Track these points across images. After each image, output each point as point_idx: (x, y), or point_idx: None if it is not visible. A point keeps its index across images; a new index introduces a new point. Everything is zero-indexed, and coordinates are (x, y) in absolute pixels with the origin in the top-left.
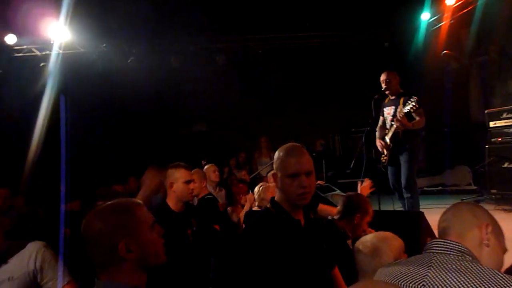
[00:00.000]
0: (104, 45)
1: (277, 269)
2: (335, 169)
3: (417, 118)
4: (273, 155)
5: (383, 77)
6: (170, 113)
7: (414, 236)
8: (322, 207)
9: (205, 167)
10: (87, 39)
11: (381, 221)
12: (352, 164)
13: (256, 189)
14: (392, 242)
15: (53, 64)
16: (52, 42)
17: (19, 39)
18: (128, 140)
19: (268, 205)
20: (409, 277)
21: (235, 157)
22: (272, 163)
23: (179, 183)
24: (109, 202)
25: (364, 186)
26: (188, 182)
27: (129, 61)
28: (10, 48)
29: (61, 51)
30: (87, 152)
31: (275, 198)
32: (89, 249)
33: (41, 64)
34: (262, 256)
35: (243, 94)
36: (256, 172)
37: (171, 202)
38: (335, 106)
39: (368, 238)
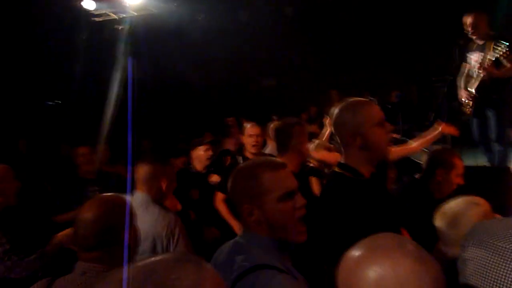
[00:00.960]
0: (175, 4)
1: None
2: (412, 121)
3: (508, 66)
4: None
5: (468, 20)
6: (239, 68)
7: (501, 194)
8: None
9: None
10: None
11: (464, 178)
12: (432, 116)
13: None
14: (474, 209)
15: (127, 26)
16: (127, 5)
17: (97, 4)
18: (199, 96)
19: (337, 169)
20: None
21: (307, 111)
22: None
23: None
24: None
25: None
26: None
27: (199, 18)
28: (89, 13)
29: (135, 13)
30: (157, 110)
31: (346, 161)
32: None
33: (116, 27)
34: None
35: (313, 46)
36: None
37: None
38: (411, 54)
39: (449, 205)
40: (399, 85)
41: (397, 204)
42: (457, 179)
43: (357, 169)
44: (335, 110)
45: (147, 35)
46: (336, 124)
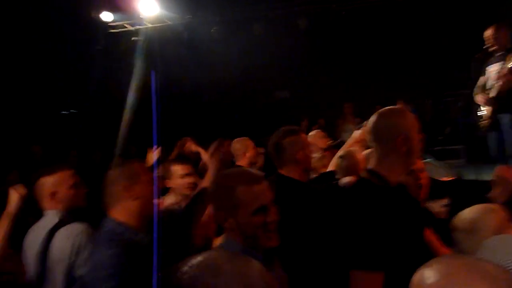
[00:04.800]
0: (190, 16)
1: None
2: (426, 135)
3: None
4: (358, 122)
5: (489, 32)
6: (252, 81)
7: None
8: None
9: (312, 133)
10: (173, 11)
11: (482, 193)
12: (447, 131)
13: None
14: (491, 215)
15: (143, 38)
16: (142, 17)
17: (114, 16)
18: (211, 108)
19: (365, 175)
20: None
21: (317, 124)
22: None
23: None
24: None
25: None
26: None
27: (212, 30)
28: (106, 24)
29: (150, 25)
30: (176, 123)
31: (377, 168)
32: None
33: (133, 39)
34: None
35: (326, 59)
36: (340, 140)
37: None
38: (425, 68)
39: (466, 212)
40: (412, 99)
41: (426, 213)
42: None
43: (387, 176)
44: (378, 115)
45: (162, 47)
46: (381, 127)
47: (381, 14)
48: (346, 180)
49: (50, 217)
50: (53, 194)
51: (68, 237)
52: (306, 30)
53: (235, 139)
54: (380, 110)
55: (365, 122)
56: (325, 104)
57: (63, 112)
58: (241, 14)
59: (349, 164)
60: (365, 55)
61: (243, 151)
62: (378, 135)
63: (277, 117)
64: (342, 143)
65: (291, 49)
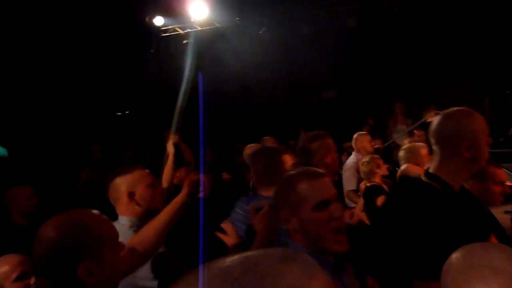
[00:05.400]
0: (237, 18)
1: None
2: None
3: None
4: (410, 122)
5: None
6: (299, 81)
7: None
8: None
9: (357, 136)
10: (222, 14)
11: None
12: (510, 132)
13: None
14: None
15: (192, 40)
16: (192, 20)
17: (165, 20)
18: (260, 108)
19: (425, 179)
20: None
21: (367, 125)
22: (410, 131)
23: None
24: None
25: None
26: None
27: (260, 32)
28: (158, 29)
29: (200, 28)
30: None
31: (437, 171)
32: None
33: (184, 42)
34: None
35: (376, 58)
36: (391, 141)
37: None
38: (483, 64)
39: None
40: (469, 97)
41: (491, 220)
42: (496, 187)
43: (448, 181)
44: (443, 116)
45: (210, 49)
46: (445, 129)
47: (434, 9)
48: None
49: (119, 226)
50: (130, 194)
51: None
52: (355, 29)
53: (246, 147)
54: (446, 111)
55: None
56: (373, 104)
57: (118, 113)
58: (289, 14)
59: (411, 156)
60: (417, 53)
61: None
62: (442, 138)
63: (325, 118)
64: (393, 144)
65: (339, 49)
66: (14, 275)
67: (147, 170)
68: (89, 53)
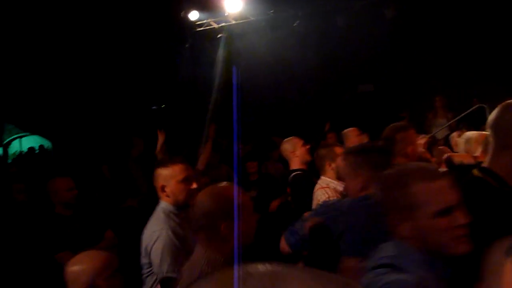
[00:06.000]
0: (272, 11)
1: None
2: None
3: None
4: (450, 116)
5: None
6: (335, 74)
7: None
8: None
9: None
10: (256, 7)
11: None
12: None
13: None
14: None
15: (226, 34)
16: (226, 14)
17: (200, 15)
18: (294, 102)
19: (478, 174)
20: None
21: (405, 118)
22: (449, 125)
23: None
24: None
25: None
26: None
27: (294, 24)
28: (193, 23)
29: (234, 22)
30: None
31: (491, 166)
32: None
33: (218, 36)
34: None
35: (415, 49)
36: (430, 135)
37: None
38: None
39: None
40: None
41: None
42: None
43: (503, 176)
44: (501, 108)
45: (245, 42)
46: (503, 122)
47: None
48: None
49: (158, 209)
50: (162, 188)
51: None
52: (393, 19)
53: (284, 140)
54: (505, 103)
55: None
56: (411, 97)
57: (154, 107)
58: (323, 6)
59: (469, 149)
60: (456, 45)
61: (292, 149)
62: (498, 131)
63: (361, 112)
64: (432, 138)
65: (376, 41)
66: (107, 273)
67: (182, 165)
68: (127, 48)
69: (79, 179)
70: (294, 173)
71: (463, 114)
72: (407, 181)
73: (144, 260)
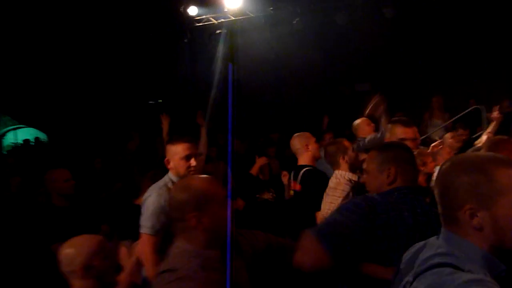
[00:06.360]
0: (271, 8)
1: None
2: None
3: None
4: (447, 117)
5: None
6: (333, 72)
7: None
8: None
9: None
10: (255, 4)
11: None
12: None
13: None
14: None
15: (225, 30)
16: (226, 10)
17: (199, 10)
18: (292, 99)
19: None
20: None
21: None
22: (445, 126)
23: None
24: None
25: None
26: None
27: (294, 22)
28: (192, 18)
29: (233, 18)
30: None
31: None
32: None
33: (217, 32)
34: None
35: (413, 50)
36: (426, 135)
37: None
38: None
39: None
40: (509, 92)
41: None
42: None
43: None
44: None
45: (244, 39)
46: None
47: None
48: None
49: (163, 178)
50: (167, 161)
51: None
52: (392, 19)
53: (294, 135)
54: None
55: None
56: (407, 97)
57: (151, 102)
58: (323, 4)
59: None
60: (454, 45)
61: (305, 143)
62: None
63: (357, 111)
64: (428, 138)
65: (375, 40)
66: (101, 255)
67: (186, 144)
68: (125, 42)
69: (74, 172)
70: (305, 169)
71: (459, 115)
72: (489, 166)
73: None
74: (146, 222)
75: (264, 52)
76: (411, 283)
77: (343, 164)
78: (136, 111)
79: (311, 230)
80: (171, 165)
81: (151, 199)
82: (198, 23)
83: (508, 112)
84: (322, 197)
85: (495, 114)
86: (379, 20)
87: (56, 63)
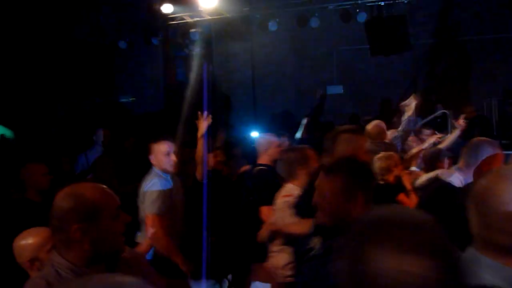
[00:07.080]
0: (246, 8)
1: None
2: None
3: None
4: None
5: None
6: (306, 74)
7: None
8: None
9: (372, 127)
10: (231, 4)
11: None
12: None
13: None
14: None
15: (200, 30)
16: (201, 9)
17: (174, 8)
18: (266, 101)
19: None
20: None
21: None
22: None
23: None
24: None
25: None
26: None
27: (269, 23)
28: (166, 16)
29: (209, 17)
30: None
31: None
32: None
33: (191, 31)
34: None
35: (385, 53)
36: (400, 129)
37: None
38: (492, 65)
39: None
40: (476, 99)
41: None
42: None
43: None
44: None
45: (219, 39)
46: None
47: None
48: None
49: (151, 170)
50: (151, 158)
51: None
52: (365, 23)
53: (260, 135)
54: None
55: None
56: (379, 101)
57: (123, 99)
58: (298, 6)
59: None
60: (424, 50)
61: (265, 147)
62: None
63: (329, 114)
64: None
65: (348, 43)
66: (47, 247)
67: (165, 142)
68: (97, 39)
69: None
70: (259, 168)
71: (426, 119)
72: None
73: (141, 205)
74: (153, 204)
75: (239, 52)
76: None
77: (301, 176)
78: (105, 108)
79: None
80: (154, 161)
81: (154, 185)
82: (172, 21)
83: (472, 117)
84: (271, 195)
85: (461, 121)
86: (352, 24)
87: (21, 61)
